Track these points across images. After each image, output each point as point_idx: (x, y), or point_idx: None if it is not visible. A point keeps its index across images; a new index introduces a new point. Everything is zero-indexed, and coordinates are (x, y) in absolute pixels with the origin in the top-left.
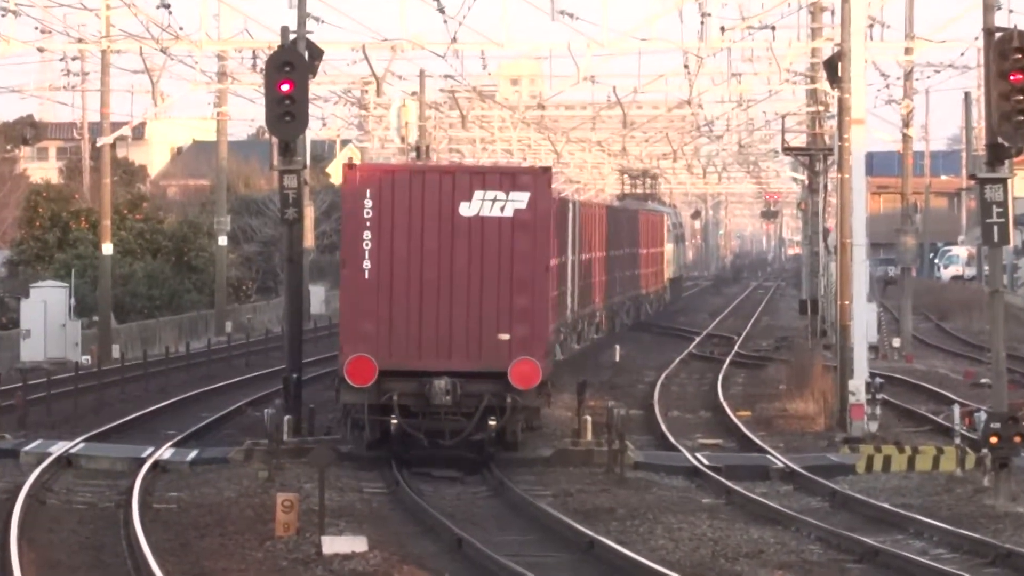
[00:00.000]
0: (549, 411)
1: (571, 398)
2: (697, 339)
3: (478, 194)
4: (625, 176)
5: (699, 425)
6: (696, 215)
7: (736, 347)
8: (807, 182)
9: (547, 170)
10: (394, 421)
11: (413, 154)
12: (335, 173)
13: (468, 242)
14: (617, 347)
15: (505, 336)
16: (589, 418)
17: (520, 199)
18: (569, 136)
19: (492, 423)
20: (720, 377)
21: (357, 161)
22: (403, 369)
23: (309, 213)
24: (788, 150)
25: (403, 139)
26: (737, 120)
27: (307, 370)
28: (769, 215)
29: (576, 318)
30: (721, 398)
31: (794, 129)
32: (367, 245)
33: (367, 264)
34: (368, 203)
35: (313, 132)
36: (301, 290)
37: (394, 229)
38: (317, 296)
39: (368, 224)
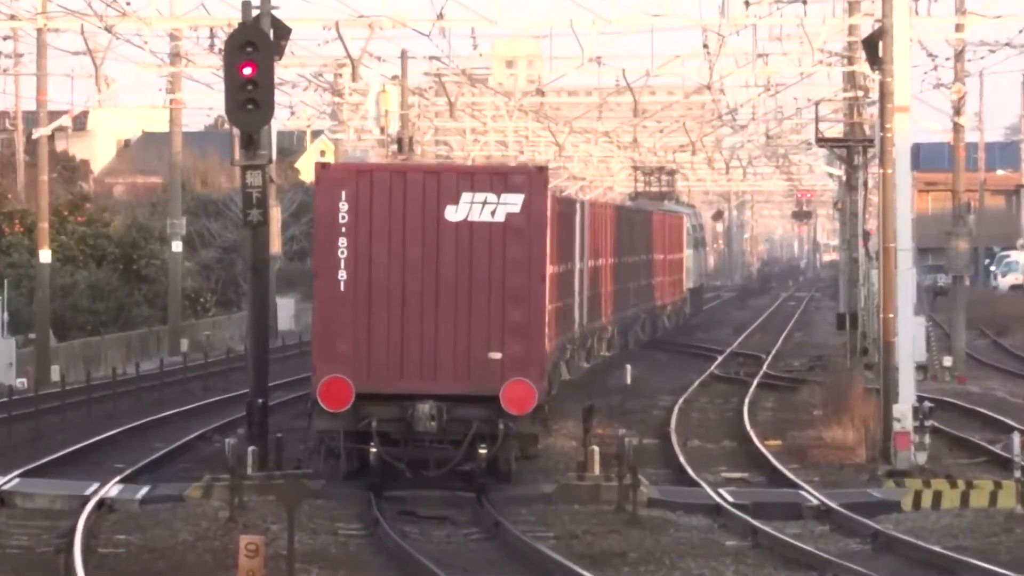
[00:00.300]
0: (552, 441)
1: (576, 425)
2: (720, 358)
3: (466, 196)
4: (638, 172)
5: (722, 456)
6: (718, 216)
7: (764, 367)
8: (844, 178)
9: (543, 170)
10: (373, 450)
11: (394, 147)
12: (305, 169)
13: (455, 250)
14: (628, 367)
15: (497, 355)
16: (597, 449)
17: (513, 202)
18: (572, 126)
19: (483, 451)
20: (746, 401)
21: (330, 155)
22: (383, 392)
23: (276, 215)
24: (822, 141)
25: (383, 130)
26: (764, 107)
27: (274, 394)
28: (801, 216)
29: (585, 333)
30: (747, 425)
31: (829, 118)
32: (342, 253)
33: (342, 274)
34: (343, 206)
35: (280, 122)
36: (267, 303)
37: (372, 235)
38: (285, 310)
39: (343, 230)
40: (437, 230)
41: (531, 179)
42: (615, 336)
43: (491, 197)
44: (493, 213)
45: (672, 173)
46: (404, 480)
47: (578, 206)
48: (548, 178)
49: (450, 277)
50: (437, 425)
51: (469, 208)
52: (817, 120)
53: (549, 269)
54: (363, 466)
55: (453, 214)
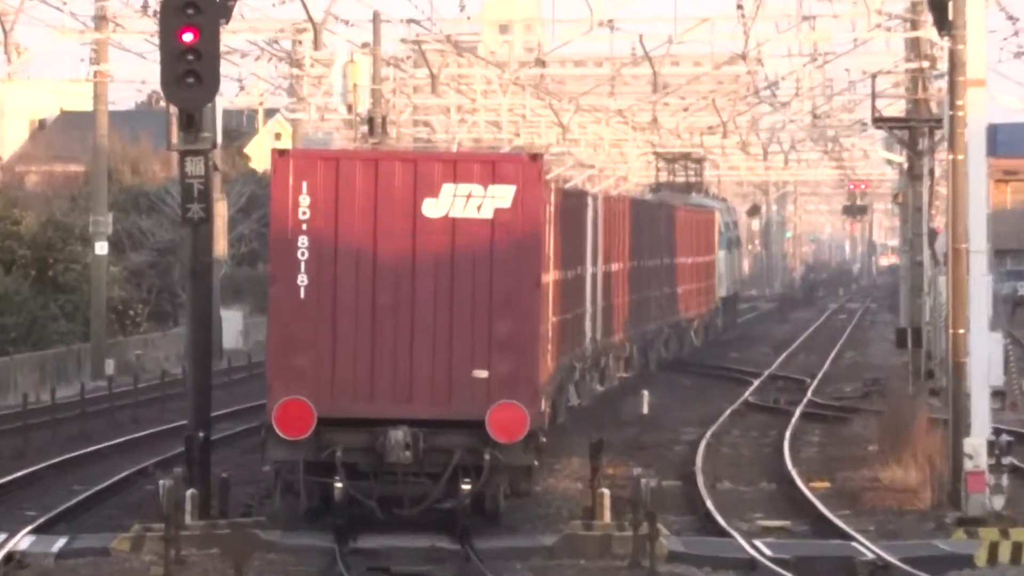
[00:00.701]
0: (553, 482)
1: (582, 463)
2: (756, 382)
3: (448, 188)
4: (659, 159)
5: (758, 501)
6: (754, 212)
7: (809, 393)
8: (906, 166)
9: (537, 158)
10: (338, 484)
11: (364, 129)
12: (257, 156)
13: (435, 250)
14: (645, 393)
15: (482, 373)
16: (607, 492)
17: (502, 195)
18: (579, 104)
19: (466, 486)
20: (787, 435)
21: (287, 138)
22: (349, 416)
23: (221, 210)
24: (880, 121)
25: (350, 108)
26: (810, 81)
27: (219, 426)
28: (854, 211)
29: (598, 350)
30: (789, 463)
31: (888, 93)
32: (302, 255)
33: (302, 279)
34: (304, 200)
35: (227, 99)
36: (210, 316)
37: (338, 234)
38: (232, 325)
39: (304, 227)
40: (414, 227)
41: (523, 169)
42: (633, 354)
43: (477, 189)
44: (479, 208)
45: (700, 160)
46: (375, 524)
47: (589, 200)
48: (544, 168)
49: (428, 283)
50: (412, 455)
51: (451, 202)
52: (874, 96)
53: (552, 274)
54: (326, 503)
55: (433, 209)
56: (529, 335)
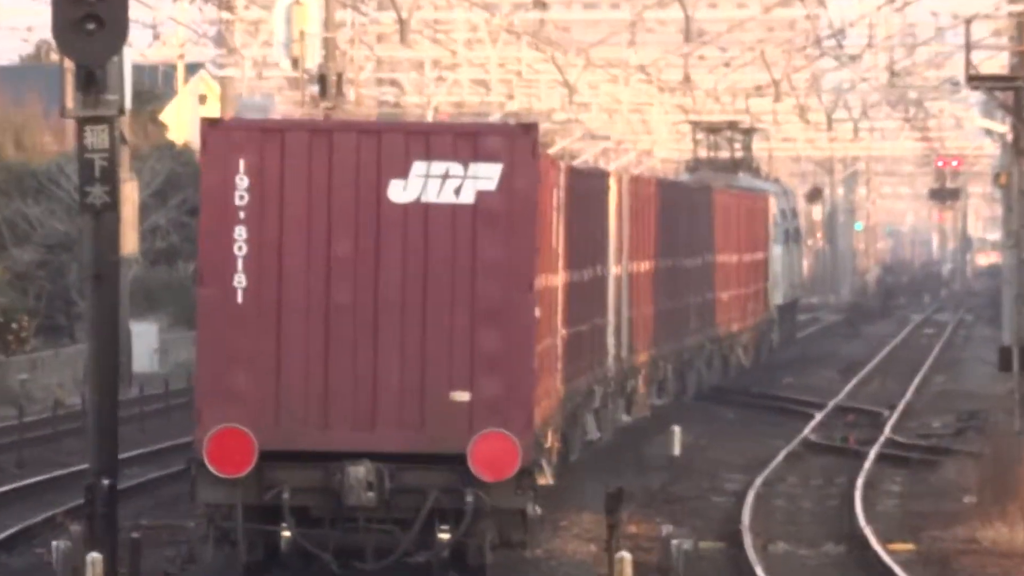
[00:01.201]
0: (560, 544)
1: (596, 519)
2: (818, 415)
3: (419, 167)
4: (697, 129)
5: (823, 569)
6: (815, 197)
7: (887, 430)
8: (1010, 137)
9: (531, 129)
10: (285, 533)
11: (314, 89)
12: (177, 123)
13: (403, 244)
14: (677, 430)
15: (463, 396)
16: (628, 556)
17: (487, 175)
18: (590, 57)
19: (444, 535)
20: (859, 483)
21: (214, 100)
22: (299, 449)
23: (131, 194)
24: (976, 80)
25: (296, 63)
26: (887, 28)
27: (128, 471)
28: (944, 196)
29: (624, 371)
30: (862, 520)
31: (987, 44)
32: (240, 249)
33: (240, 280)
34: (241, 181)
35: (137, 51)
36: (116, 331)
37: (284, 224)
38: (145, 341)
39: (242, 216)
40: (377, 216)
41: (513, 142)
42: (668, 376)
43: (455, 168)
44: (458, 191)
45: (750, 131)
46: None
47: (612, 182)
48: (538, 140)
49: (395, 283)
50: (377, 497)
51: (423, 184)
52: (968, 48)
53: (561, 275)
54: (271, 556)
55: (400, 193)
56: (521, 349)
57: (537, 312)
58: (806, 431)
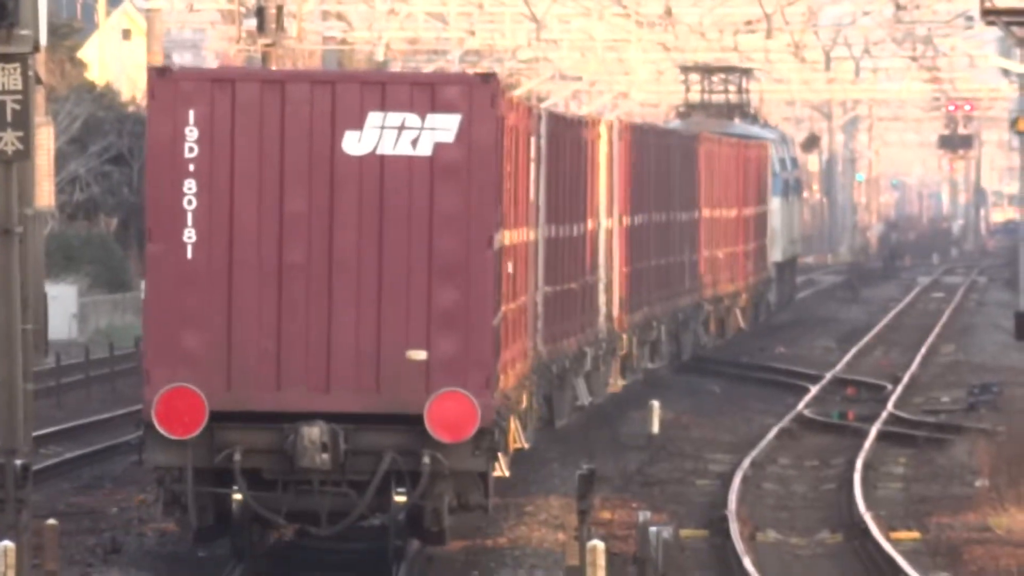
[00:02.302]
0: (525, 531)
1: (565, 503)
2: (814, 389)
3: (374, 118)
4: (690, 73)
5: (817, 560)
6: (811, 144)
7: (890, 405)
8: None
9: (490, 78)
10: (237, 496)
11: (251, 24)
12: (98, 61)
13: (359, 198)
14: (655, 404)
15: (420, 354)
16: (601, 544)
17: (444, 126)
18: None
19: (400, 498)
20: (859, 464)
21: (139, 36)
22: (251, 409)
23: (45, 141)
24: (992, 14)
25: None
26: None
27: (43, 450)
28: (955, 144)
29: (616, 332)
30: (861, 506)
31: None
32: (189, 204)
33: (189, 235)
34: (191, 133)
35: None
36: (26, 293)
37: (235, 178)
38: (62, 304)
39: (191, 169)
40: (331, 169)
41: (472, 92)
42: (661, 338)
43: (412, 119)
44: (415, 143)
45: (746, 73)
46: (283, 551)
47: (603, 130)
48: (499, 90)
49: (350, 240)
50: (331, 458)
51: (379, 135)
52: None
53: (542, 229)
54: (222, 520)
55: (355, 145)
56: (480, 306)
57: (510, 268)
58: (800, 406)
